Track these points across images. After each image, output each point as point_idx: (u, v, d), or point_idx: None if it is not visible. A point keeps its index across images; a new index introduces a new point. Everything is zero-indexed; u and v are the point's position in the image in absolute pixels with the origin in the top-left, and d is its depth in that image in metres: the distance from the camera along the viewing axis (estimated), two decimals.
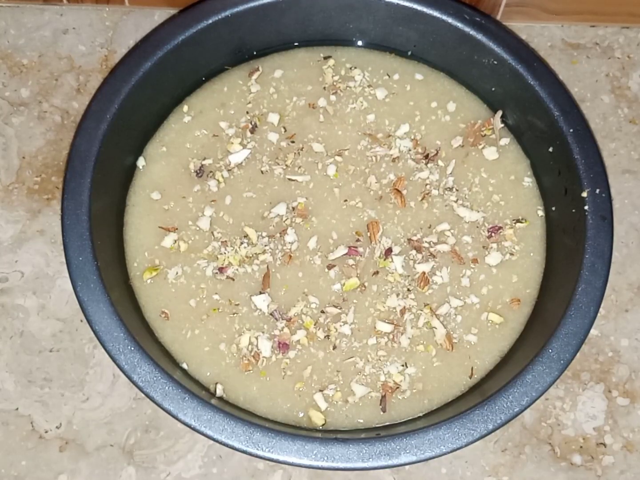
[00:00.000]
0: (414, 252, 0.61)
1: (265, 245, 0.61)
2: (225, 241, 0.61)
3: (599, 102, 0.71)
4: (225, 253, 0.61)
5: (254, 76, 0.67)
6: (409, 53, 0.68)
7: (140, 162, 0.64)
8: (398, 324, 0.59)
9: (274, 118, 0.66)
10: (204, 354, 0.59)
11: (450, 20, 0.63)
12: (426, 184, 0.64)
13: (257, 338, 0.59)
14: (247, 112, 0.66)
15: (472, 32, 0.63)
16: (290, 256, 0.61)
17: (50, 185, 0.66)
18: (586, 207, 0.58)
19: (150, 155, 0.65)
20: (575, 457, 0.59)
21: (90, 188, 0.57)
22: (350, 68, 0.68)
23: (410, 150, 0.65)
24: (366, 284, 0.60)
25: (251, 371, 0.58)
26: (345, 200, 0.63)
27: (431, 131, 0.66)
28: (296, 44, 0.68)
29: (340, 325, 0.59)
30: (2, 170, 0.66)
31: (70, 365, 0.61)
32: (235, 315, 0.59)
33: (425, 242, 0.62)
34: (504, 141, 0.66)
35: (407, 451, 0.51)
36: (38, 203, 0.65)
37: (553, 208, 0.63)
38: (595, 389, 0.61)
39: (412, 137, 0.66)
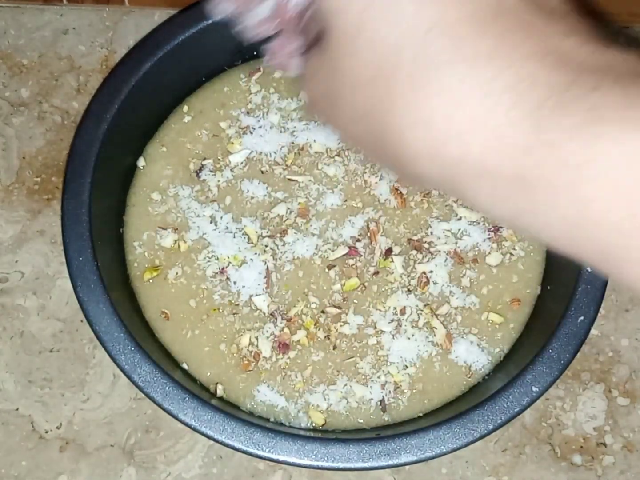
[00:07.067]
0: (414, 252, 0.61)
1: (266, 245, 0.61)
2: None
3: None
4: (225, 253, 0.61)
5: (255, 76, 0.67)
6: None
7: (140, 162, 0.64)
8: (398, 324, 0.59)
9: (274, 118, 0.66)
10: (204, 354, 0.59)
11: None
12: None
13: (257, 338, 0.59)
14: (248, 112, 0.66)
15: None
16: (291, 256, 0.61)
17: (50, 186, 0.66)
18: None
19: (150, 155, 0.65)
20: (575, 457, 0.59)
21: (90, 188, 0.57)
22: None
23: None
24: (366, 284, 0.60)
25: (251, 371, 0.58)
26: (346, 200, 0.63)
27: None
28: None
29: (341, 325, 0.59)
30: (2, 170, 0.66)
31: (70, 366, 0.61)
32: (235, 315, 0.59)
33: (425, 242, 0.62)
34: None
35: (407, 451, 0.51)
36: (38, 203, 0.65)
37: None
38: (596, 389, 0.61)
39: None
